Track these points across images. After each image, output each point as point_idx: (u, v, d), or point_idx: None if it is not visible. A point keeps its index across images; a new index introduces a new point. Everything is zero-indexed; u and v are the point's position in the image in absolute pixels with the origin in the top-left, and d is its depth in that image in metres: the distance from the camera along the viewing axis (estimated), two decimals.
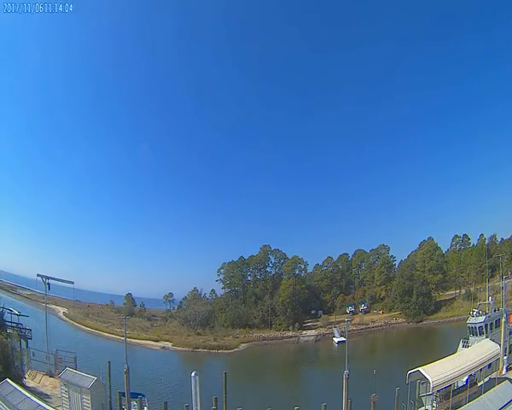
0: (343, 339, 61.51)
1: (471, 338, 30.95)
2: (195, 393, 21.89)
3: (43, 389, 27.09)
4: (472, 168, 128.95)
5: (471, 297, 44.41)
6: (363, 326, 78.26)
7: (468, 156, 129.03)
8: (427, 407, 22.83)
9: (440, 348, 44.94)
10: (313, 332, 79.67)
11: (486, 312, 31.86)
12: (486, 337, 29.78)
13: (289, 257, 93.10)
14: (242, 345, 73.92)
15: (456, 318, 67.16)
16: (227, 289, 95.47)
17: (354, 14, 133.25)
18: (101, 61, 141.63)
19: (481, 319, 30.85)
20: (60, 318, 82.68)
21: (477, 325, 30.82)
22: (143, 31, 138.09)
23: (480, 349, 24.91)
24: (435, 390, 21.67)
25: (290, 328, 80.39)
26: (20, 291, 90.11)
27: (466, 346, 30.61)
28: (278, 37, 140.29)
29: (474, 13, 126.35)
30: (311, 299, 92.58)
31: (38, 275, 35.00)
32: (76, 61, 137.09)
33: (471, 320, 31.72)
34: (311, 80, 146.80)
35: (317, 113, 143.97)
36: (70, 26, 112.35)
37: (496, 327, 30.75)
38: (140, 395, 27.00)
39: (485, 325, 30.61)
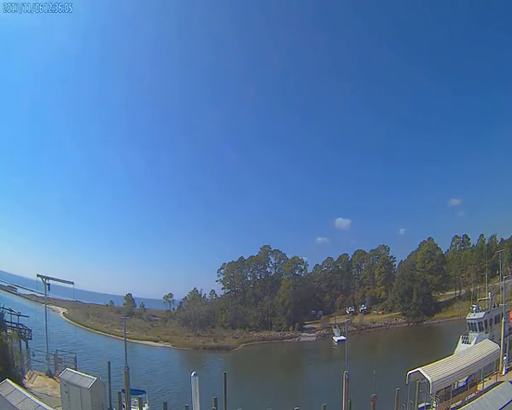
0: (343, 338, 61.59)
1: (471, 334, 31.04)
2: (195, 393, 21.94)
3: (43, 390, 27.06)
4: (472, 168, 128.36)
5: (471, 298, 44.48)
6: (363, 327, 78.39)
7: (468, 157, 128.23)
8: (427, 404, 22.87)
9: (440, 345, 45.12)
10: (313, 333, 79.79)
11: (486, 308, 31.96)
12: (486, 333, 29.88)
13: (289, 257, 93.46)
14: (242, 345, 73.99)
15: (456, 318, 67.31)
16: (227, 290, 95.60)
17: None
18: (101, 61, 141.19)
19: (481, 314, 30.98)
20: (60, 318, 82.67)
21: (477, 321, 30.92)
22: (147, 32, 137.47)
23: (480, 350, 24.95)
24: (435, 391, 21.70)
25: (290, 328, 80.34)
26: (21, 291, 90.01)
27: (466, 342, 30.71)
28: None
29: None
30: (311, 299, 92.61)
31: (38, 275, 35.04)
32: (75, 61, 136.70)
33: (471, 316, 31.78)
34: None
35: (314, 111, 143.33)
36: (70, 26, 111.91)
37: (495, 323, 30.83)
38: (140, 391, 27.14)
39: (485, 321, 30.71)
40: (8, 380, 18.25)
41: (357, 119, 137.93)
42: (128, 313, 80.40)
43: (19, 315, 36.68)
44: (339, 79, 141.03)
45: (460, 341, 31.63)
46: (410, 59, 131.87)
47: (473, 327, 31.38)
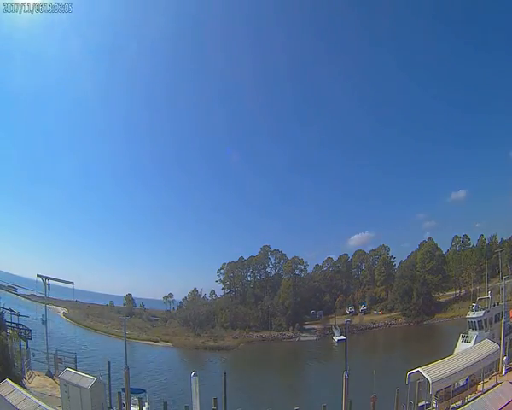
0: (343, 338, 61.55)
1: (471, 333, 31.12)
2: (195, 393, 21.96)
3: (43, 390, 27.09)
4: (472, 168, 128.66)
5: (471, 298, 44.63)
6: (363, 327, 78.45)
7: (468, 157, 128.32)
8: (426, 402, 22.88)
9: (440, 345, 45.16)
10: (313, 333, 79.86)
11: (486, 306, 32.04)
12: (486, 332, 29.95)
13: (289, 257, 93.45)
14: (242, 345, 74.01)
15: (456, 318, 67.40)
16: (227, 290, 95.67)
17: None
18: (102, 61, 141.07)
19: (481, 313, 31.09)
20: (60, 318, 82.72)
21: (476, 320, 31.00)
22: (148, 31, 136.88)
23: (480, 350, 24.96)
24: (435, 391, 21.70)
25: (290, 329, 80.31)
26: (21, 291, 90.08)
27: (466, 340, 30.78)
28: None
29: None
30: (311, 299, 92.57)
31: (38, 275, 35.06)
32: (76, 62, 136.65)
33: (471, 315, 31.85)
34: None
35: (317, 117, 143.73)
36: (70, 26, 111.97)
37: (495, 322, 30.89)
38: (140, 390, 27.19)
39: (485, 320, 30.82)
40: (8, 380, 18.28)
41: (361, 126, 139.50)
42: (128, 313, 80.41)
43: (19, 315, 36.74)
44: (345, 88, 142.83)
45: (460, 339, 31.71)
46: (413, 77, 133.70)
47: (473, 326, 31.44)
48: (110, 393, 25.68)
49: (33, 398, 16.98)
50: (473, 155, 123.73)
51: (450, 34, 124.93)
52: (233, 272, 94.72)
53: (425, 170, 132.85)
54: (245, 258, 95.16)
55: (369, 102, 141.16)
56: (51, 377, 30.47)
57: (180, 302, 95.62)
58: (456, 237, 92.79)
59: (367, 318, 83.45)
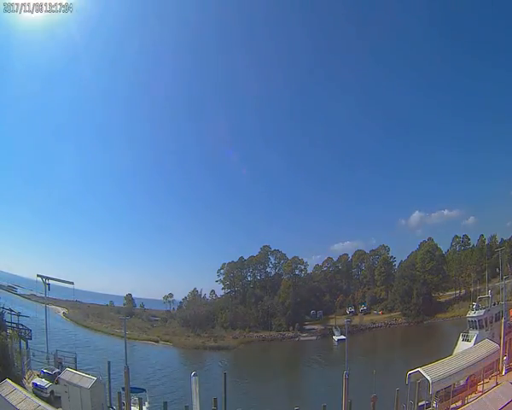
0: (343, 337, 61.53)
1: (471, 332, 31.08)
2: (195, 393, 21.96)
3: None
4: (473, 168, 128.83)
5: (471, 297, 44.68)
6: (363, 327, 78.47)
7: (469, 157, 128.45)
8: (426, 402, 22.88)
9: (440, 345, 45.19)
10: (313, 333, 79.87)
11: (486, 306, 32.03)
12: (486, 331, 29.95)
13: (289, 257, 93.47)
14: (242, 345, 74.00)
15: (456, 318, 67.43)
16: (227, 290, 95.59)
17: None
18: (102, 61, 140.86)
19: (481, 312, 31.06)
20: (60, 318, 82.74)
21: (477, 319, 30.96)
22: (149, 31, 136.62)
23: (480, 350, 24.97)
24: (435, 391, 21.70)
25: (290, 329, 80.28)
26: (21, 291, 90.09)
27: (466, 340, 30.74)
28: None
29: None
30: (311, 299, 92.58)
31: (38, 275, 35.11)
32: (76, 62, 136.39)
33: (471, 314, 31.83)
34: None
35: (315, 121, 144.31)
36: (70, 26, 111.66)
37: (496, 321, 30.86)
38: (140, 390, 27.22)
39: (485, 319, 30.79)
40: (8, 380, 18.31)
41: (358, 130, 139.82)
42: (128, 314, 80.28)
43: (19, 315, 36.76)
44: (342, 92, 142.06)
45: (460, 339, 31.68)
46: (411, 82, 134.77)
47: (473, 325, 31.40)
48: (110, 392, 25.68)
49: (33, 398, 17.01)
50: (472, 159, 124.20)
51: (440, 39, 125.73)
52: (233, 272, 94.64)
53: (424, 174, 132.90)
54: (245, 258, 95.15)
55: (365, 108, 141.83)
56: None
57: (180, 302, 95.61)
58: (456, 237, 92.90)
59: (367, 318, 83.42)
